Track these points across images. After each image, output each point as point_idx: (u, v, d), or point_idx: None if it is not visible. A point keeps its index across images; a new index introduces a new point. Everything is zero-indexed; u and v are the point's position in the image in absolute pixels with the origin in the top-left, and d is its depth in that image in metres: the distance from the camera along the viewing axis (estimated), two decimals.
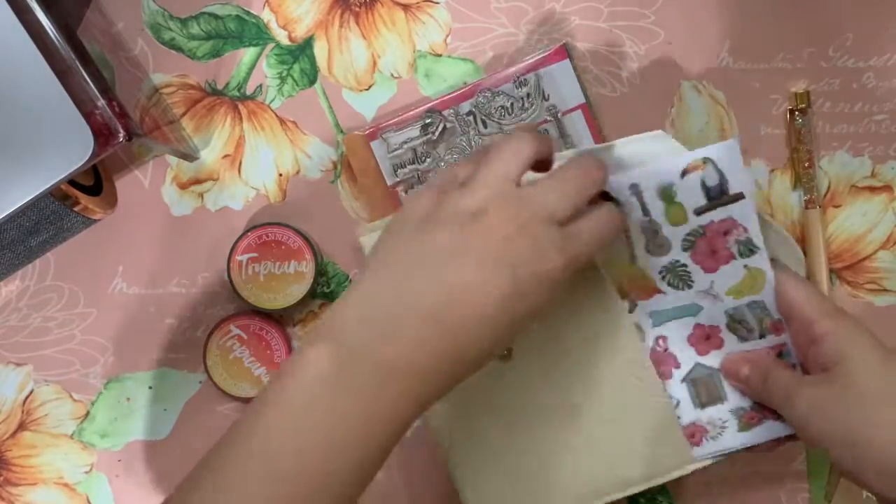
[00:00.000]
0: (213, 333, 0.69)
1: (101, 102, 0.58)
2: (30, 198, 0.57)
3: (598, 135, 0.69)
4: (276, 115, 0.70)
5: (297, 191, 0.70)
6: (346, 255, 0.70)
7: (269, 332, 0.69)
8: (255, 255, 0.68)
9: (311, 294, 0.68)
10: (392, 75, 0.70)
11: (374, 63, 0.70)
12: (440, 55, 0.70)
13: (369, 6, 0.70)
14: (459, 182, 0.55)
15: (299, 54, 0.70)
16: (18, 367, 0.71)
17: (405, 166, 0.69)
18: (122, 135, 0.58)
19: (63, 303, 0.71)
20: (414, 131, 0.69)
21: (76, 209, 0.64)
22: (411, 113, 0.69)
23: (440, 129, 0.69)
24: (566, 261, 0.54)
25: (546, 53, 0.69)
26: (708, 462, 0.64)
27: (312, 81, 0.70)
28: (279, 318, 0.70)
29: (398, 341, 0.52)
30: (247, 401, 0.70)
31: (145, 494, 0.71)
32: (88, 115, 0.57)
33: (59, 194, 0.63)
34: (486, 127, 0.69)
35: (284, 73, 0.70)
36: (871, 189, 0.70)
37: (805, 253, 0.70)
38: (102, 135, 0.58)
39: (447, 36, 0.70)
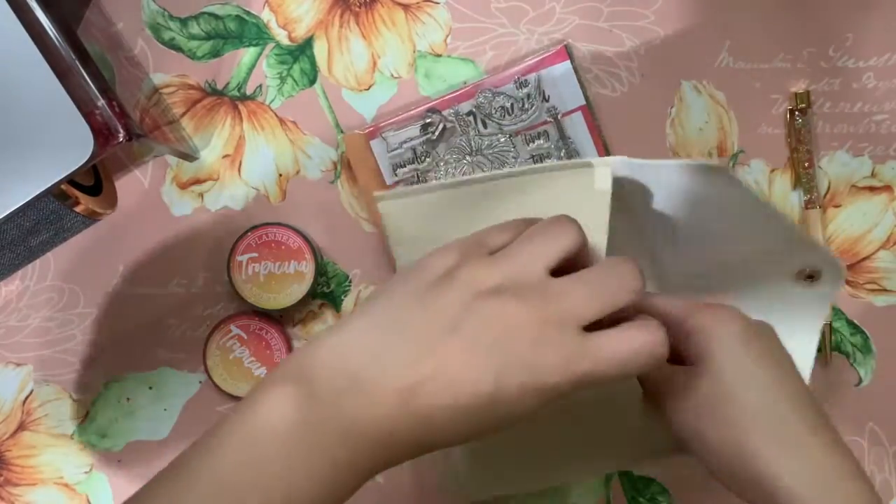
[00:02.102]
0: (213, 333, 0.69)
1: (101, 102, 0.58)
2: (30, 198, 0.57)
3: (598, 137, 0.69)
4: (276, 115, 0.70)
5: (297, 191, 0.70)
6: (346, 255, 0.70)
7: (269, 332, 0.69)
8: (255, 255, 0.68)
9: (311, 294, 0.68)
10: (392, 75, 0.70)
11: (374, 63, 0.70)
12: (440, 55, 0.70)
13: (369, 6, 0.70)
14: (488, 250, 0.51)
15: (299, 54, 0.70)
16: (18, 367, 0.71)
17: (405, 165, 0.69)
18: (122, 135, 0.58)
19: (63, 303, 0.71)
20: (414, 131, 0.69)
21: (76, 209, 0.64)
22: (411, 112, 0.69)
23: (440, 128, 0.69)
24: (568, 379, 0.48)
25: (547, 54, 0.69)
26: None
27: (312, 81, 0.70)
28: (279, 318, 0.70)
29: (366, 405, 0.48)
30: None
31: None
32: (88, 115, 0.57)
33: (59, 194, 0.62)
34: (485, 127, 0.69)
35: (284, 73, 0.70)
36: (871, 189, 0.70)
37: None
38: (102, 135, 0.58)
39: (447, 36, 0.70)
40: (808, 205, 0.69)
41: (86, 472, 0.71)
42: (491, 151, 0.69)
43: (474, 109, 0.69)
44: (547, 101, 0.69)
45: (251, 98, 0.70)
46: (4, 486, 0.71)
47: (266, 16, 0.70)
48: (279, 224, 0.68)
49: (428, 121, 0.68)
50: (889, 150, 0.70)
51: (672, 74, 0.70)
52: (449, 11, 0.70)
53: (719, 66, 0.70)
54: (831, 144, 0.70)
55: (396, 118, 0.69)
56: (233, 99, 0.70)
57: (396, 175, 0.68)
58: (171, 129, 0.68)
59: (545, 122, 0.69)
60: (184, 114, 0.70)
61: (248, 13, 0.70)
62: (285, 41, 0.70)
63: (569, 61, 0.68)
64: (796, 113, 0.69)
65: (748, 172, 0.70)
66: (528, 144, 0.68)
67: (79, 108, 0.57)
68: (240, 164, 0.70)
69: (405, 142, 0.68)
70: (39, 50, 0.56)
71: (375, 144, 0.68)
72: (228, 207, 0.71)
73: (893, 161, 0.70)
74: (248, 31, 0.70)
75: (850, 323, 0.70)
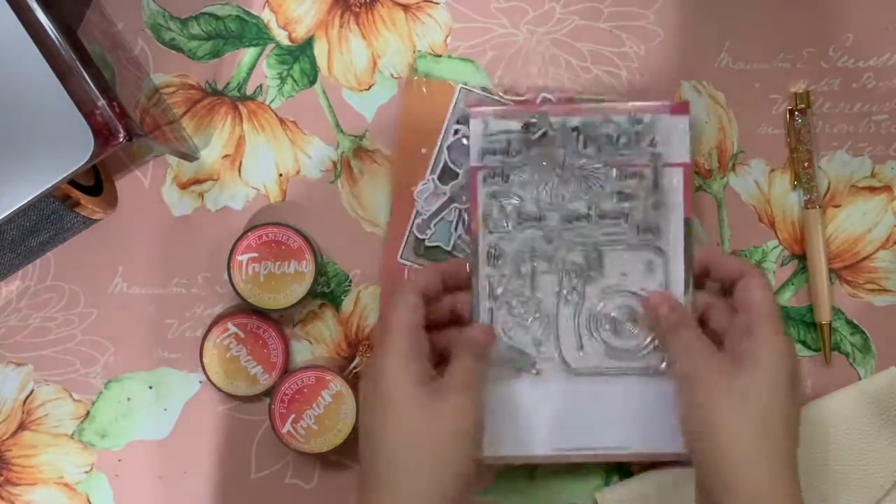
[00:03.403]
0: (211, 331, 0.69)
1: (102, 102, 0.58)
2: (30, 198, 0.57)
3: (689, 198, 0.67)
4: (276, 116, 0.70)
5: (297, 191, 0.70)
6: (346, 255, 0.70)
7: (267, 331, 0.69)
8: (255, 255, 0.68)
9: (311, 294, 0.68)
10: (392, 75, 0.70)
11: (374, 63, 0.70)
12: (440, 55, 0.70)
13: (369, 6, 0.70)
14: None
15: (299, 54, 0.70)
16: (18, 367, 0.71)
17: (496, 154, 0.67)
18: (122, 135, 0.58)
19: (63, 303, 0.71)
20: (516, 124, 0.67)
21: (76, 209, 0.64)
22: (518, 107, 0.68)
23: (541, 132, 0.67)
24: None
25: (669, 103, 0.67)
26: None
27: (312, 81, 0.70)
28: (278, 318, 0.70)
29: None
30: (244, 399, 0.70)
31: (145, 494, 0.71)
32: (88, 115, 0.57)
33: (59, 194, 0.63)
34: (585, 147, 0.67)
35: (284, 74, 0.70)
36: (871, 189, 0.70)
37: (805, 253, 0.70)
38: (102, 135, 0.58)
39: (447, 36, 0.70)
40: (808, 205, 0.69)
41: (86, 472, 0.71)
42: (581, 172, 0.67)
43: (580, 126, 0.67)
44: (654, 146, 0.67)
45: (251, 98, 0.70)
46: (5, 486, 0.71)
47: (266, 16, 0.70)
48: (279, 224, 0.68)
49: (532, 121, 0.67)
50: (889, 150, 0.70)
51: (672, 74, 0.70)
52: (449, 11, 0.70)
53: (719, 66, 0.70)
54: (831, 144, 0.70)
55: (504, 107, 0.68)
56: (233, 99, 0.70)
57: (483, 160, 0.67)
58: (172, 129, 0.68)
59: (644, 165, 0.67)
60: (184, 114, 0.70)
61: (248, 13, 0.70)
62: (285, 41, 0.70)
63: (687, 118, 0.67)
64: (796, 113, 0.69)
65: (748, 172, 0.70)
66: (620, 180, 0.67)
67: (79, 108, 0.57)
68: (240, 164, 0.70)
69: (505, 132, 0.67)
70: (40, 50, 0.57)
71: (475, 123, 0.67)
72: (228, 207, 0.71)
73: (893, 161, 0.70)
74: (248, 32, 0.70)
75: (850, 323, 0.70)
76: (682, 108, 0.67)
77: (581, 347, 0.67)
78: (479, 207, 0.67)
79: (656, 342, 0.66)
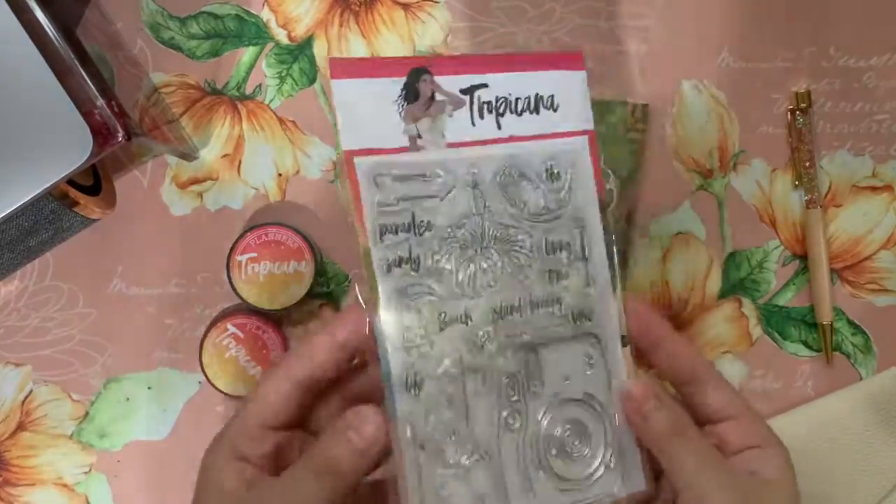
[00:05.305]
0: (210, 331, 0.69)
1: (101, 102, 0.58)
2: (29, 198, 0.57)
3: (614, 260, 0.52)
4: (276, 115, 0.70)
5: (297, 191, 0.70)
6: (346, 255, 0.70)
7: (266, 331, 0.69)
8: (254, 255, 0.68)
9: (311, 294, 0.68)
10: None
11: None
12: (440, 55, 0.70)
13: (369, 5, 0.70)
14: None
15: (299, 54, 0.70)
16: (17, 367, 0.71)
17: (398, 232, 0.47)
18: (121, 134, 0.58)
19: (62, 303, 0.70)
20: (419, 182, 0.48)
21: (75, 209, 0.64)
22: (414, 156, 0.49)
23: (449, 191, 0.49)
24: None
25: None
26: None
27: (312, 81, 0.70)
28: (278, 319, 0.70)
29: None
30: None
31: (145, 494, 0.71)
32: (88, 115, 0.57)
33: (58, 194, 0.62)
34: (512, 207, 0.50)
35: (284, 73, 0.70)
36: (872, 189, 0.70)
37: (806, 253, 0.70)
38: (101, 134, 0.58)
39: (447, 36, 0.70)
40: (810, 204, 0.69)
41: (85, 473, 0.71)
42: (504, 246, 0.49)
43: (499, 178, 0.49)
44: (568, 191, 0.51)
45: (250, 98, 0.70)
46: (4, 487, 0.71)
47: (265, 15, 0.70)
48: (279, 224, 0.68)
49: (439, 174, 0.48)
50: (890, 149, 0.70)
51: (672, 74, 0.70)
52: (449, 11, 0.70)
53: (719, 66, 0.70)
54: (832, 144, 0.70)
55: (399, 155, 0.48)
56: (232, 98, 0.70)
57: (383, 240, 0.47)
58: (171, 129, 0.68)
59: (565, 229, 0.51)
60: (183, 113, 0.70)
61: (247, 12, 0.70)
62: (285, 40, 0.70)
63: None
64: (797, 112, 0.69)
65: (749, 172, 0.70)
66: (549, 253, 0.50)
67: (78, 107, 0.57)
68: (239, 163, 0.70)
69: (408, 198, 0.48)
70: (39, 50, 0.56)
71: (365, 187, 0.47)
72: (228, 207, 0.70)
73: (894, 161, 0.70)
74: (247, 31, 0.70)
75: (851, 323, 0.70)
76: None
77: (531, 489, 0.49)
78: (387, 315, 0.46)
79: (609, 459, 0.50)
